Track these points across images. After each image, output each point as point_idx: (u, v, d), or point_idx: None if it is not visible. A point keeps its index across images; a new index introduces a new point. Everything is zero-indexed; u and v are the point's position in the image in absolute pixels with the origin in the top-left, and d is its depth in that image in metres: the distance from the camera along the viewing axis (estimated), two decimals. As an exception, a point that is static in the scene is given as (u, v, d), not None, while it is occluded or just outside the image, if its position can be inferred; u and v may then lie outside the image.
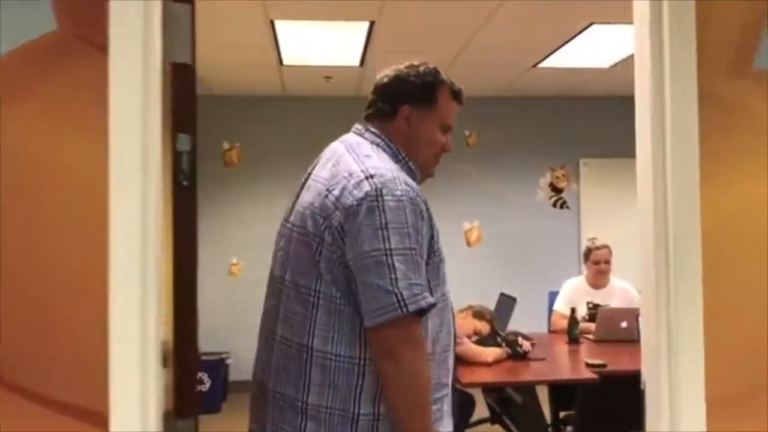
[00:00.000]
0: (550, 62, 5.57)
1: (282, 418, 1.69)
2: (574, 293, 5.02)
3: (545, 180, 7.02)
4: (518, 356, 3.97)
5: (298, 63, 5.47)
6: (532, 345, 4.17)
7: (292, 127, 6.66)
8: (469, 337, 4.00)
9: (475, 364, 3.83)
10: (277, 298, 1.76)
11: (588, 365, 3.78)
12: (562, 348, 4.48)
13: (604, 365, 3.76)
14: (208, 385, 6.07)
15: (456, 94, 1.86)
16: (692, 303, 1.42)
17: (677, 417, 1.42)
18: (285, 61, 5.42)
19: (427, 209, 1.70)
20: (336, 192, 1.66)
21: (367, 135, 1.81)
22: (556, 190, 7.03)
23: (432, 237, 1.71)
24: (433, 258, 1.72)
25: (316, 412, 1.63)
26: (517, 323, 4.58)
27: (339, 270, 1.63)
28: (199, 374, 6.06)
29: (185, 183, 1.44)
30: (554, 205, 7.03)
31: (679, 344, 1.42)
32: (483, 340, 4.01)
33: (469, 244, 6.97)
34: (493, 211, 6.96)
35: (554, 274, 6.86)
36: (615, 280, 5.04)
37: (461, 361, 3.88)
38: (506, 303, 4.59)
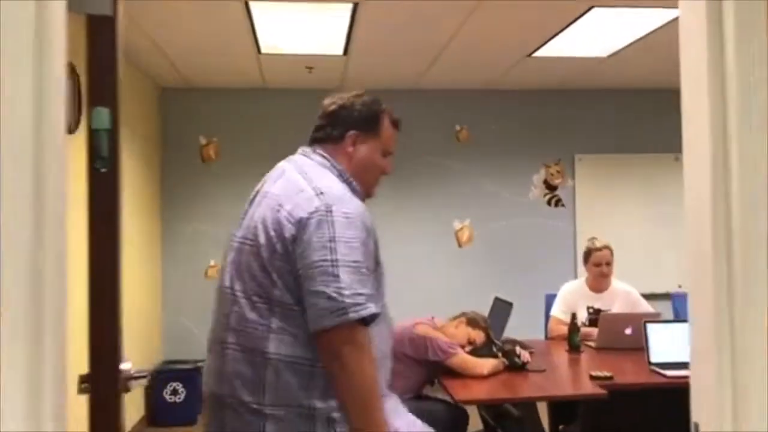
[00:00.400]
0: (546, 51, 5.24)
1: (242, 423, 1.79)
2: (573, 297, 4.69)
3: (539, 177, 6.72)
4: (516, 368, 3.64)
5: (278, 51, 5.11)
6: (531, 354, 3.84)
7: (273, 121, 6.31)
8: (462, 347, 3.66)
9: (469, 377, 3.50)
10: (228, 309, 1.85)
11: (593, 378, 3.45)
12: (562, 357, 4.15)
13: (610, 377, 3.43)
14: (183, 395, 5.70)
15: (395, 123, 2.08)
16: (758, 304, 1.10)
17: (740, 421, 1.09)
18: (263, 50, 5.06)
19: (372, 225, 1.84)
20: (288, 207, 1.79)
21: (314, 156, 1.96)
22: (551, 187, 6.73)
23: (376, 249, 1.86)
24: (378, 269, 1.87)
25: (274, 412, 1.75)
26: (511, 329, 4.26)
27: (290, 279, 1.75)
28: (174, 384, 5.68)
29: (103, 170, 1.09)
30: (549, 203, 6.73)
31: (745, 346, 1.09)
32: (478, 351, 3.68)
33: (459, 245, 6.65)
34: (485, 209, 6.66)
35: (550, 275, 6.59)
36: (616, 283, 4.72)
37: (454, 373, 3.56)
38: (501, 308, 4.25)
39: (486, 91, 6.53)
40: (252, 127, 6.36)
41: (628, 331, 4.23)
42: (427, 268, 6.58)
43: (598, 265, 4.60)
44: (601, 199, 6.73)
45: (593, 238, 4.75)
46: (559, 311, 4.69)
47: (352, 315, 1.69)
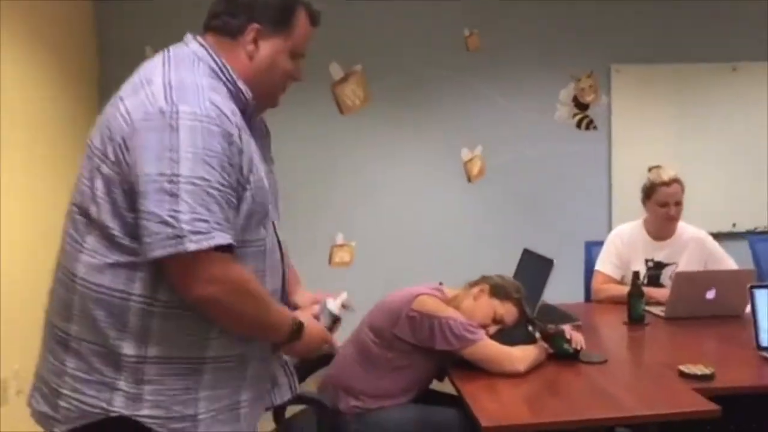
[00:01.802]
0: None
1: (51, 351, 1.57)
2: (627, 247, 3.52)
3: (567, 93, 5.48)
4: (565, 357, 2.49)
5: None
6: (579, 330, 2.70)
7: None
8: (485, 327, 2.50)
9: (497, 375, 2.36)
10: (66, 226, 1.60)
11: (683, 375, 2.30)
12: (620, 333, 3.00)
13: (710, 376, 2.28)
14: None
15: (313, 17, 1.70)
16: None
17: None
18: None
19: (239, 136, 1.51)
20: (128, 102, 1.50)
21: (191, 44, 1.63)
22: (581, 105, 5.50)
23: (242, 168, 1.51)
24: (248, 191, 1.53)
25: (78, 345, 1.51)
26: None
27: (118, 192, 1.47)
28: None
29: None
30: (579, 125, 5.51)
31: None
32: (508, 334, 2.52)
33: (469, 179, 5.45)
34: (501, 135, 5.44)
35: (580, 217, 5.43)
36: (684, 227, 3.55)
37: (471, 366, 2.41)
38: (534, 266, 3.07)
39: (502, -13, 5.25)
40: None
41: (710, 294, 3.07)
42: (429, 211, 5.40)
43: (665, 205, 3.42)
44: (642, 119, 5.50)
45: (657, 168, 3.56)
46: (607, 265, 3.53)
47: (190, 245, 1.39)
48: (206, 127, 1.44)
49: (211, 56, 1.59)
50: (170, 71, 1.52)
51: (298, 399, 2.53)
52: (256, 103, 1.64)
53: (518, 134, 5.44)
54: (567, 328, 2.53)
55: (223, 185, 1.45)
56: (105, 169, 1.48)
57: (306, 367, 2.92)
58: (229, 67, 1.60)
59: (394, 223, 5.34)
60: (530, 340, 2.53)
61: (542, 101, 5.46)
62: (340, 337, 2.00)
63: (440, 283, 2.66)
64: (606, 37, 5.44)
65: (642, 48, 5.44)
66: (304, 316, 1.68)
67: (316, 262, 5.27)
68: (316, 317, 1.76)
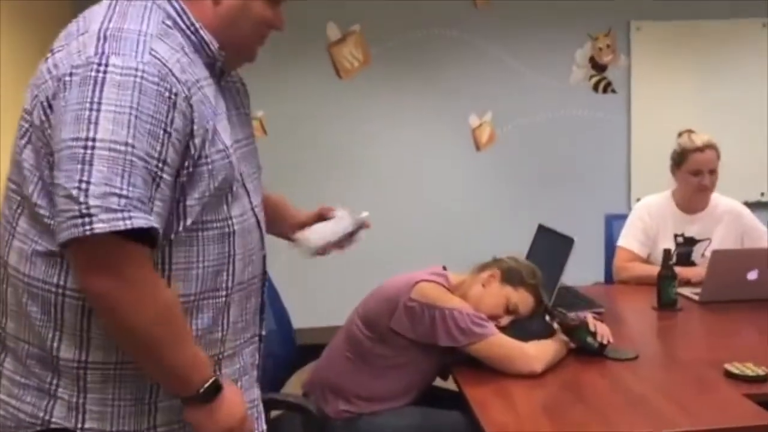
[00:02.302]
0: None
1: None
2: (654, 220, 3.15)
3: (583, 53, 5.09)
4: (590, 352, 2.14)
5: None
6: (600, 317, 2.37)
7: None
8: (495, 318, 2.15)
9: (509, 376, 2.01)
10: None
11: (730, 375, 1.94)
12: (649, 320, 2.64)
13: (764, 378, 1.92)
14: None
15: None
16: None
17: None
18: None
19: (188, 98, 1.23)
20: (58, 55, 1.25)
21: None
22: (599, 66, 5.10)
23: (192, 137, 1.24)
24: (202, 166, 1.26)
25: (15, 345, 1.31)
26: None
27: (45, 166, 1.22)
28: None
29: None
30: (596, 87, 5.12)
31: None
32: (523, 326, 2.17)
33: (478, 147, 5.07)
34: (511, 99, 5.06)
35: (598, 188, 5.06)
36: (718, 199, 3.17)
37: (483, 367, 2.07)
38: (551, 245, 2.70)
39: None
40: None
41: (751, 275, 2.71)
42: (433, 182, 5.03)
43: (698, 174, 3.03)
44: (664, 81, 5.10)
45: (689, 132, 3.16)
46: (632, 240, 3.16)
47: (99, 225, 1.11)
48: (140, 83, 1.17)
49: (167, 1, 1.31)
50: (112, 17, 1.26)
51: (277, 404, 2.22)
52: (227, 56, 1.37)
53: (531, 99, 5.06)
54: (590, 318, 2.17)
55: (151, 156, 1.18)
56: (33, 136, 1.25)
57: (290, 362, 2.59)
58: (189, 13, 1.32)
59: (395, 196, 4.97)
60: (548, 333, 2.17)
61: (556, 62, 5.07)
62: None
63: (444, 267, 2.31)
64: (626, -9, 5.03)
65: (665, 3, 5.01)
66: (227, 382, 1.33)
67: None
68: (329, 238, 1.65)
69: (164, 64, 1.21)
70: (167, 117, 1.20)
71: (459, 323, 2.05)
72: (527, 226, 3.10)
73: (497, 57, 5.01)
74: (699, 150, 3.02)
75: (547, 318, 2.21)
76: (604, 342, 2.13)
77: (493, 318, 2.13)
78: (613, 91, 5.11)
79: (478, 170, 5.07)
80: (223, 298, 1.35)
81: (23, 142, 1.27)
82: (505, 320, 2.16)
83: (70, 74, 1.18)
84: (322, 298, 4.81)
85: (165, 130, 1.19)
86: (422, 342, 2.11)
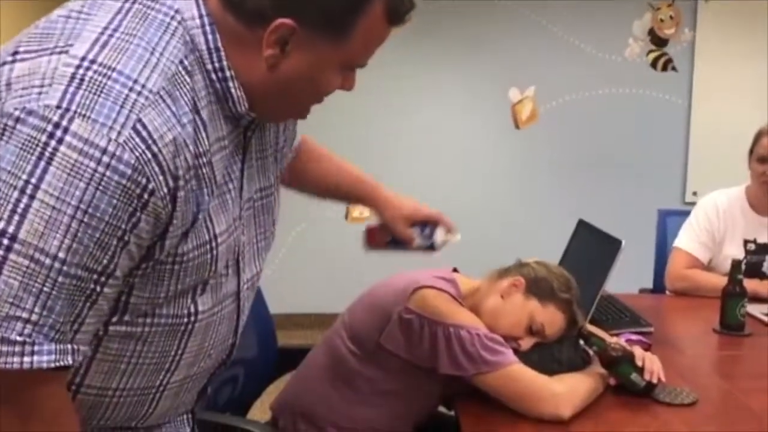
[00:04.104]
0: None
1: None
2: (722, 220, 2.64)
3: (642, 25, 4.55)
4: (634, 392, 1.67)
5: None
6: (647, 347, 1.90)
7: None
8: (515, 340, 1.68)
9: (526, 419, 1.55)
10: None
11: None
12: (710, 349, 2.14)
13: None
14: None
15: (394, 13, 0.98)
16: None
17: None
18: None
19: (173, 189, 0.89)
20: (19, 67, 0.87)
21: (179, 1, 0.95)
22: (659, 41, 4.55)
23: (163, 237, 0.92)
24: (163, 264, 0.95)
25: None
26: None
27: None
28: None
29: None
30: (654, 64, 4.58)
31: None
32: (549, 352, 1.70)
33: (517, 125, 4.57)
34: (557, 73, 4.56)
35: (651, 178, 4.53)
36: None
37: (494, 403, 1.62)
38: (592, 246, 2.21)
39: None
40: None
41: (843, 296, 2.19)
42: (466, 161, 4.56)
43: (764, 161, 2.51)
44: (733, 62, 4.53)
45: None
46: (693, 242, 2.65)
47: None
48: (100, 174, 0.83)
49: (202, 25, 0.94)
50: (109, 41, 0.88)
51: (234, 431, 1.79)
52: (268, 116, 1.06)
53: (579, 74, 4.57)
54: (638, 350, 1.69)
55: (91, 271, 0.87)
56: None
57: (262, 371, 2.16)
58: (224, 55, 0.95)
59: (423, 176, 4.51)
60: (581, 363, 1.70)
61: (611, 34, 4.55)
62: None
63: (454, 269, 1.84)
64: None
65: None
66: None
67: (329, 216, 4.51)
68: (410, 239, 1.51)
69: (149, 147, 0.86)
70: (128, 222, 0.87)
71: (466, 346, 1.59)
72: (565, 221, 2.63)
73: (542, 25, 4.51)
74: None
75: (582, 343, 1.74)
76: (654, 381, 1.65)
77: (511, 339, 1.67)
78: (674, 69, 4.57)
79: (513, 151, 4.58)
80: (152, 395, 1.08)
81: None
82: (526, 343, 1.69)
83: (17, 120, 0.82)
84: (336, 283, 4.41)
85: (121, 238, 0.87)
86: (416, 363, 1.66)
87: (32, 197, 0.82)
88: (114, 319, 0.97)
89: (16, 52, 0.89)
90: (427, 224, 1.56)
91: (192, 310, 1.02)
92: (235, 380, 2.07)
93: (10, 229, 0.82)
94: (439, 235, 1.52)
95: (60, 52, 0.87)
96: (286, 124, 1.24)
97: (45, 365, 0.86)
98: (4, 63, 0.88)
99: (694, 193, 4.45)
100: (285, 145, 1.26)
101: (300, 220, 4.51)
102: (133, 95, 0.85)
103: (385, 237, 1.59)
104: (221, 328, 1.10)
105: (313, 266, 4.62)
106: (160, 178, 0.87)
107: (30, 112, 0.82)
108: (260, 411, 2.27)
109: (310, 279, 4.61)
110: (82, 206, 0.83)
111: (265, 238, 1.18)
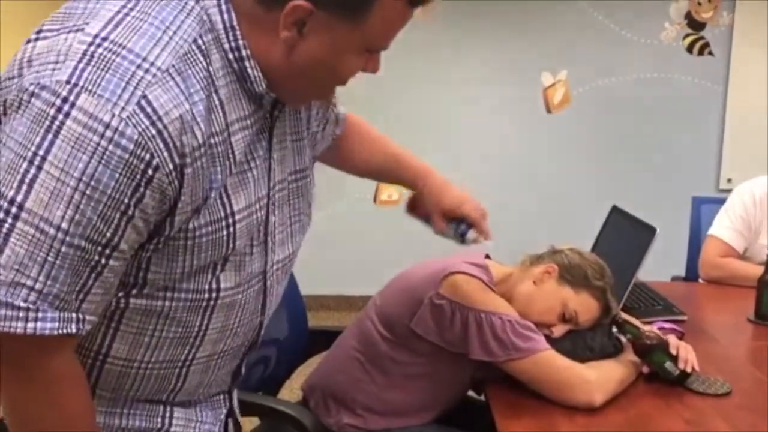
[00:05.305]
0: None
1: None
2: (760, 209, 2.59)
3: (678, 8, 4.44)
4: (667, 381, 1.65)
5: None
6: (680, 335, 1.88)
7: None
8: (547, 327, 1.68)
9: (559, 406, 1.55)
10: None
11: None
12: (744, 339, 2.12)
13: None
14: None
15: None
16: None
17: None
18: None
19: (179, 166, 0.90)
20: (40, 44, 0.90)
21: None
22: (696, 24, 4.45)
23: (172, 212, 0.93)
24: (175, 240, 0.96)
25: None
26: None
27: None
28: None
29: None
30: (690, 49, 4.48)
31: None
32: (582, 339, 1.69)
33: (549, 109, 4.52)
34: (591, 56, 4.48)
35: (685, 164, 4.47)
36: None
37: (525, 390, 1.62)
38: (626, 233, 2.19)
39: None
40: None
41: None
42: (495, 146, 4.52)
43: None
44: (772, 46, 4.42)
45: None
46: (729, 230, 2.62)
47: None
48: (103, 148, 0.85)
49: (219, 4, 0.95)
50: (123, 20, 0.90)
51: (265, 410, 1.81)
52: (289, 97, 1.06)
53: (613, 57, 4.48)
54: (673, 338, 1.68)
55: (94, 242, 0.89)
56: None
57: (292, 352, 2.17)
58: (239, 33, 0.96)
59: (451, 160, 4.47)
60: (614, 351, 1.69)
61: (646, 16, 4.45)
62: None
63: (486, 256, 1.84)
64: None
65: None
66: None
67: (358, 199, 4.51)
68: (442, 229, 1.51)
69: (153, 123, 0.87)
70: (132, 196, 0.89)
71: (497, 332, 1.59)
72: (599, 204, 2.60)
73: (576, 7, 4.43)
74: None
75: (615, 331, 1.73)
76: (688, 370, 1.64)
77: (543, 326, 1.66)
78: (711, 53, 4.47)
79: (544, 136, 4.53)
80: (178, 368, 1.10)
81: None
82: (559, 330, 1.68)
83: (31, 95, 0.86)
84: (365, 266, 4.42)
85: (124, 212, 0.89)
86: (446, 347, 1.66)
87: (39, 168, 0.85)
88: (134, 292, 0.99)
89: (39, 31, 0.92)
90: (464, 221, 1.53)
91: (214, 286, 1.03)
92: (267, 360, 2.09)
93: (19, 198, 0.85)
94: (471, 234, 1.50)
95: (77, 31, 0.89)
96: (318, 108, 1.25)
97: (48, 332, 0.89)
98: (29, 41, 0.92)
99: (729, 180, 4.37)
100: (318, 130, 1.26)
101: (331, 201, 4.52)
102: (140, 72, 0.87)
103: (422, 214, 1.58)
104: (247, 306, 1.11)
105: (342, 248, 4.63)
106: (165, 154, 0.88)
107: (43, 87, 0.85)
108: (288, 391, 2.30)
109: (339, 261, 4.62)
110: (85, 179, 0.85)
111: (299, 221, 1.18)
